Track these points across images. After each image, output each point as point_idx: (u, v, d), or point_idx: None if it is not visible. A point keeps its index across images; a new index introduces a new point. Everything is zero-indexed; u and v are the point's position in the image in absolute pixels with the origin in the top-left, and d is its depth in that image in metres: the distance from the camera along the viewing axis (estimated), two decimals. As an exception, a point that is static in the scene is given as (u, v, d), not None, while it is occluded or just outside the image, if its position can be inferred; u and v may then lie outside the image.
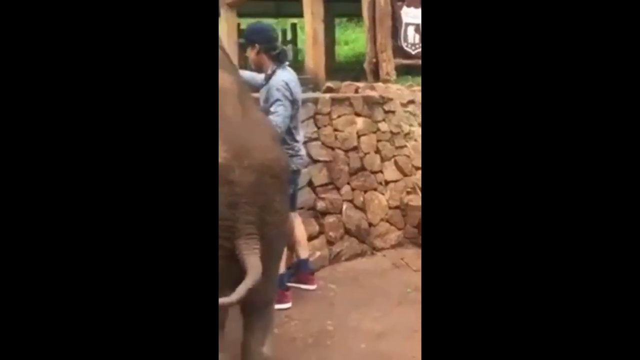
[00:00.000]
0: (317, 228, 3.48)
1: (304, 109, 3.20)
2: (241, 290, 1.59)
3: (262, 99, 2.68)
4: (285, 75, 2.65)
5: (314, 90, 4.39)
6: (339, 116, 3.73)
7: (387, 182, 4.02)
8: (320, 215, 3.54)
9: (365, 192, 3.86)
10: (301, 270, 3.10)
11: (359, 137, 3.84)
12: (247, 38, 2.72)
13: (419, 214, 4.00)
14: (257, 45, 2.62)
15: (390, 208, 4.03)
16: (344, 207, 3.67)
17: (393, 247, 3.97)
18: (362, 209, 3.79)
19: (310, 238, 3.36)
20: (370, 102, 3.93)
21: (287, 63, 2.76)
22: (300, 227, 3.05)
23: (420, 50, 6.53)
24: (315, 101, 3.60)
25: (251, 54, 2.69)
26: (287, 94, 2.57)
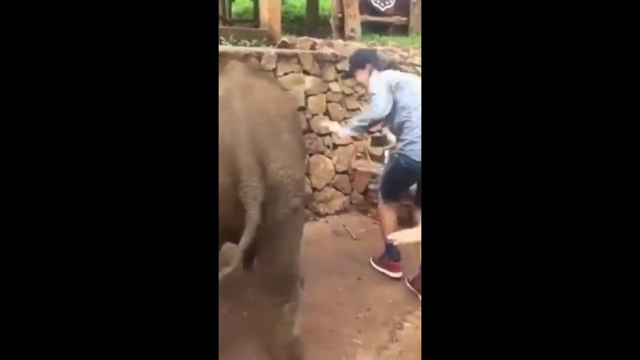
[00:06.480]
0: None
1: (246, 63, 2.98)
2: (242, 244, 1.50)
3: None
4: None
5: (268, 44, 4.13)
6: (285, 74, 3.51)
7: (335, 146, 3.87)
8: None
9: (311, 155, 3.71)
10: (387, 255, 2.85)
11: (307, 96, 3.64)
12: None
13: (367, 179, 3.88)
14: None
15: (337, 173, 3.89)
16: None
17: (337, 213, 3.86)
18: (306, 172, 3.64)
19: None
20: (321, 60, 3.71)
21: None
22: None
23: (391, 6, 6.26)
24: (259, 56, 3.36)
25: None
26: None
